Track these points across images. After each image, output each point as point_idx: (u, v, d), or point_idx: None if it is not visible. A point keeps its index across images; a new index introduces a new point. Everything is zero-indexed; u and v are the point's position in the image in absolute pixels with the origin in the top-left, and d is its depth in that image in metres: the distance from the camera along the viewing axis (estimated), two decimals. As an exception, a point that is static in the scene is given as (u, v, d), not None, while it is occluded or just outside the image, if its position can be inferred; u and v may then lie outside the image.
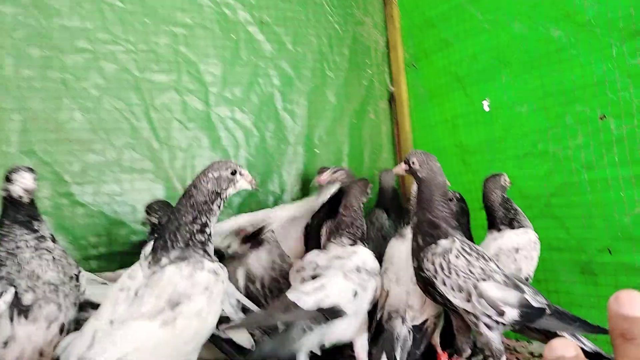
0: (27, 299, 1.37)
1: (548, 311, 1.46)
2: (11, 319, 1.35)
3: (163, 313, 1.21)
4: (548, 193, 1.94)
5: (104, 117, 2.11)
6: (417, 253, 1.54)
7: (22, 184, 1.43)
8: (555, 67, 1.90)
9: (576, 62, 1.83)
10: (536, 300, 1.47)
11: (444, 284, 1.46)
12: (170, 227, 1.32)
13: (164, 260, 1.28)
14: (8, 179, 1.43)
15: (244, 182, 1.42)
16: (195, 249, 1.30)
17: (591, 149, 1.81)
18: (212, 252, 1.35)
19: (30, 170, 1.46)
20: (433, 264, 1.48)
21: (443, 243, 1.51)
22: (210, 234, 1.35)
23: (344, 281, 1.62)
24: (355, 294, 1.63)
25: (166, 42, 2.25)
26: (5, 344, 1.36)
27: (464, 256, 1.49)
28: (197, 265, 1.27)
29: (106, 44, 2.14)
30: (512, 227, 1.80)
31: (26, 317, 1.36)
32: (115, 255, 2.04)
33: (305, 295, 1.54)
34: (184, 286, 1.24)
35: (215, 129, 2.33)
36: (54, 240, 1.46)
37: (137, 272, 1.30)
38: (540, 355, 1.84)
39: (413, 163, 1.59)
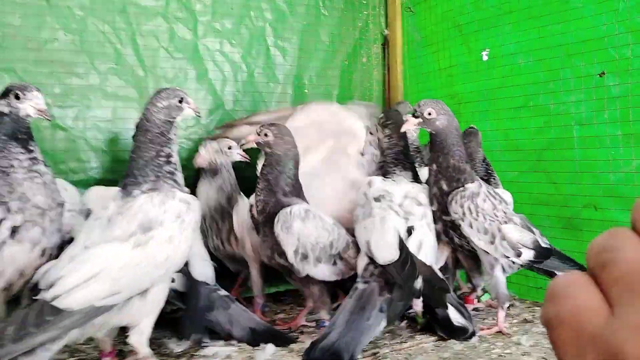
0: (16, 220, 1.33)
1: (553, 252, 1.57)
2: (2, 243, 1.32)
3: (135, 236, 1.24)
4: (540, 147, 1.93)
5: (88, 40, 2.02)
6: (440, 197, 1.60)
7: (35, 103, 1.38)
8: (557, 19, 1.86)
9: (579, 15, 1.79)
10: (544, 242, 1.56)
11: (471, 226, 1.53)
12: (137, 164, 1.34)
13: (136, 191, 1.31)
14: (17, 97, 1.37)
15: (189, 111, 1.42)
16: (165, 179, 1.34)
17: (586, 106, 1.79)
18: (181, 181, 1.38)
19: (39, 90, 1.39)
20: (462, 206, 1.54)
21: (470, 187, 1.56)
22: (176, 163, 1.37)
23: None
24: None
25: (156, -35, 2.15)
26: None
27: (489, 200, 1.55)
28: (168, 194, 1.31)
29: (93, -38, 2.03)
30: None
31: (12, 237, 1.33)
32: (96, 183, 1.98)
33: None
34: (155, 213, 1.27)
35: (202, 61, 2.25)
36: (46, 165, 1.41)
37: (110, 203, 1.32)
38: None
39: (429, 114, 1.58)
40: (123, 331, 1.34)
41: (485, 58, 2.13)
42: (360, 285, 1.49)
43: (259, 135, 1.61)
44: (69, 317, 1.13)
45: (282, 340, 1.54)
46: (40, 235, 1.38)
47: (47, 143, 1.94)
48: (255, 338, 1.53)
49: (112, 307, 1.21)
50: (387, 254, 1.47)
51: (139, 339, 1.29)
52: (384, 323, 1.45)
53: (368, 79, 2.67)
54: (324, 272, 1.59)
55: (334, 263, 1.60)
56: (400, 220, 1.56)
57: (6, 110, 1.38)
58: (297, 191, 1.63)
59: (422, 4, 2.47)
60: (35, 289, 1.23)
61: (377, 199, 1.61)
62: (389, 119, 1.77)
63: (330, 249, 1.58)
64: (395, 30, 2.62)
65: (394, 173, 1.70)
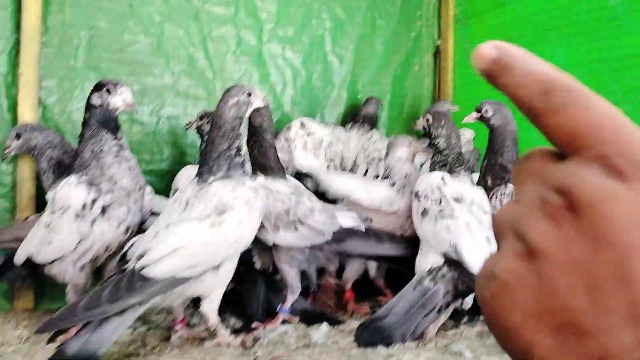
0: (106, 199, 1.52)
1: None
2: (93, 221, 1.51)
3: (210, 217, 1.40)
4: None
5: (164, 43, 2.21)
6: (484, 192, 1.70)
7: (126, 97, 1.58)
8: (606, 34, 1.94)
9: (627, 30, 1.88)
10: None
11: None
12: (212, 155, 1.49)
13: (211, 178, 1.47)
14: (109, 91, 1.56)
15: (259, 101, 1.55)
16: (236, 169, 1.49)
17: (635, 118, 1.86)
18: (249, 171, 1.55)
19: (127, 86, 1.61)
20: (501, 202, 1.65)
21: (511, 186, 1.66)
22: (245, 154, 1.54)
23: None
24: None
25: (228, -24, 2.33)
26: (79, 241, 1.52)
27: None
28: (239, 182, 1.47)
29: (172, -28, 2.23)
30: None
31: (102, 215, 1.52)
32: (166, 172, 2.17)
33: None
34: (228, 198, 1.43)
35: (265, 65, 2.42)
36: (130, 151, 1.61)
37: (188, 187, 1.49)
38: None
39: (486, 111, 1.71)
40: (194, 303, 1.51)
41: (533, 70, 2.22)
42: (426, 282, 1.54)
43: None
44: (154, 285, 1.30)
45: (332, 321, 1.68)
46: (126, 214, 1.57)
47: (125, 135, 2.13)
48: (307, 318, 1.67)
49: (189, 279, 1.37)
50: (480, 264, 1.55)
51: (210, 308, 1.45)
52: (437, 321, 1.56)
53: (419, 87, 2.79)
54: (287, 239, 1.66)
55: (295, 229, 1.66)
56: (482, 229, 1.57)
57: (98, 102, 1.57)
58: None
59: (474, 17, 2.58)
60: (122, 259, 1.42)
61: (457, 200, 1.62)
62: (443, 119, 1.80)
63: (286, 216, 1.65)
64: (447, 40, 2.74)
65: (459, 173, 1.71)
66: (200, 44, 2.28)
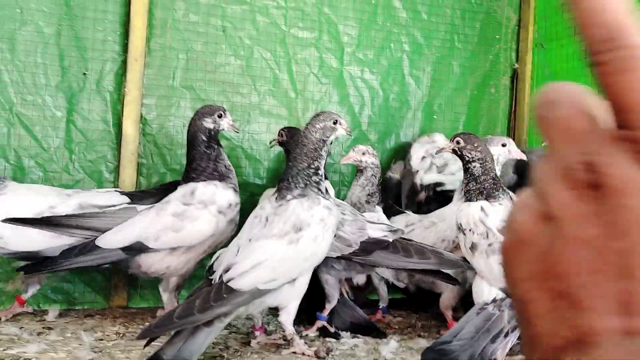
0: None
1: None
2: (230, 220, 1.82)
3: (289, 234, 1.53)
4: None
5: (253, 65, 2.38)
6: None
7: (229, 120, 1.89)
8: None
9: None
10: None
11: None
12: (291, 172, 1.63)
13: (289, 196, 1.61)
14: (220, 116, 1.85)
15: (342, 130, 1.69)
16: (312, 188, 1.62)
17: None
18: (324, 190, 1.66)
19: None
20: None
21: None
22: (322, 175, 1.65)
23: None
24: None
25: (312, 2, 2.47)
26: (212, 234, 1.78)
27: None
28: (314, 201, 1.60)
29: (262, -1, 2.39)
30: None
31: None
32: (248, 184, 2.33)
33: None
34: (304, 216, 1.56)
35: (345, 86, 2.54)
36: None
37: (267, 204, 1.63)
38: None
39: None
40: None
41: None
42: (490, 309, 1.60)
43: None
44: (240, 296, 1.44)
45: (377, 332, 1.81)
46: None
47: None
48: (354, 329, 1.81)
49: (270, 291, 1.51)
50: None
51: (287, 318, 1.59)
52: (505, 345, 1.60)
53: (495, 109, 2.83)
54: None
55: None
56: None
57: (212, 125, 1.84)
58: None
59: (554, 42, 2.60)
60: (209, 271, 1.57)
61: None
62: (476, 141, 1.81)
63: None
64: (525, 64, 2.76)
65: (498, 198, 1.73)
66: (285, 66, 2.43)
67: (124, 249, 1.71)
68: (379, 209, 2.03)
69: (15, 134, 2.05)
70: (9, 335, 1.67)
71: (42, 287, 1.91)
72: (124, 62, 2.17)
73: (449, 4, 2.71)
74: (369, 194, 2.02)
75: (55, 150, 2.10)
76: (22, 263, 1.79)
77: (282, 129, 2.14)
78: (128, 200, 1.89)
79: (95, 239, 1.70)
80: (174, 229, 1.72)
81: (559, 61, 2.57)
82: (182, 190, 1.80)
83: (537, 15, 2.72)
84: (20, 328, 1.73)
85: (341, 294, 1.96)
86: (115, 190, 1.95)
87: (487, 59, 2.80)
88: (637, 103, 0.28)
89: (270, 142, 2.21)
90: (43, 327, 1.75)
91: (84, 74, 2.14)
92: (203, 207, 1.76)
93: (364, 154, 2.01)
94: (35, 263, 1.74)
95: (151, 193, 1.94)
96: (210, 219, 1.76)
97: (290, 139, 2.06)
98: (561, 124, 0.30)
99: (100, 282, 2.12)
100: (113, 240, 1.70)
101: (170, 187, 1.89)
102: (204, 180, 1.80)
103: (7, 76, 2.05)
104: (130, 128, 2.14)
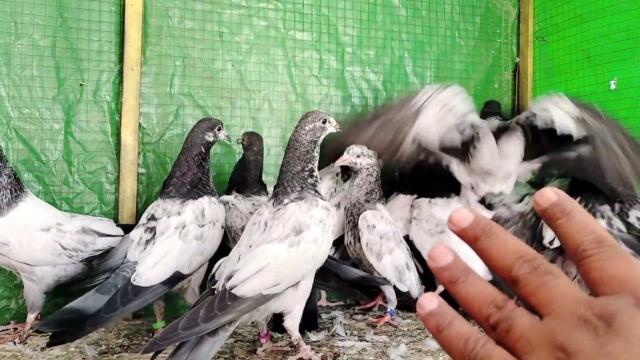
0: None
1: None
2: None
3: (289, 237, 1.50)
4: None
5: (251, 70, 2.35)
6: None
7: (224, 131, 1.91)
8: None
9: None
10: None
11: None
12: (286, 177, 1.60)
13: (286, 200, 1.58)
14: (219, 129, 1.88)
15: (332, 128, 1.67)
16: (308, 190, 1.59)
17: None
18: (321, 191, 1.64)
19: None
20: None
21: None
22: (317, 176, 1.63)
23: None
24: None
25: (310, 3, 2.44)
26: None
27: None
28: (312, 203, 1.56)
29: (258, 2, 2.36)
30: None
31: None
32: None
33: None
34: (303, 218, 1.53)
35: (347, 87, 2.51)
36: None
37: (264, 209, 1.61)
38: None
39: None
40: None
41: (613, 87, 2.19)
42: None
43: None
44: (244, 302, 1.40)
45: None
46: None
47: (214, 157, 2.28)
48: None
49: (274, 296, 1.47)
50: None
51: (292, 323, 1.54)
52: None
53: (499, 104, 2.78)
54: None
55: None
56: None
57: (212, 138, 1.85)
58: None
59: (554, 35, 2.56)
60: (211, 280, 1.54)
61: None
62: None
63: None
64: (526, 58, 2.72)
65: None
66: (285, 69, 2.40)
67: (165, 282, 1.67)
68: (380, 206, 2.00)
69: (14, 148, 2.03)
70: (12, 351, 1.65)
71: (46, 302, 1.88)
72: (121, 72, 2.15)
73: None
74: (367, 193, 1.99)
75: (55, 163, 2.08)
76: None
77: (243, 134, 2.08)
78: (122, 232, 1.90)
79: (128, 281, 1.59)
80: (200, 252, 1.74)
81: (560, 54, 2.52)
82: (192, 211, 1.76)
83: (536, 8, 2.68)
84: (24, 344, 1.71)
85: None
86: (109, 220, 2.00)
87: (489, 54, 2.76)
88: (625, 275, 0.40)
89: (237, 140, 2.12)
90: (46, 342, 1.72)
91: (81, 84, 2.12)
92: (213, 225, 1.79)
93: (358, 156, 1.98)
94: (76, 327, 1.53)
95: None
96: (220, 235, 1.83)
97: (249, 145, 2.03)
98: (561, 287, 0.41)
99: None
100: (153, 276, 1.62)
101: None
102: (204, 196, 1.81)
103: (3, 90, 2.03)
104: (129, 138, 2.12)
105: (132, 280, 1.60)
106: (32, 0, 2.06)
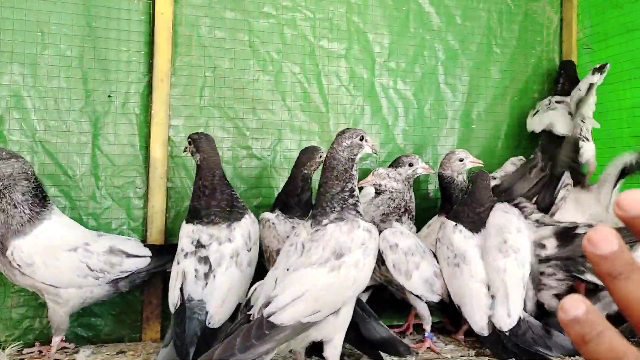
0: None
1: None
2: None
3: (330, 262, 1.41)
4: None
5: (282, 80, 2.27)
6: None
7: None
8: None
9: None
10: None
11: None
12: (325, 198, 1.51)
13: (325, 220, 1.48)
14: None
15: (368, 147, 1.58)
16: (349, 211, 1.50)
17: None
18: (362, 211, 1.54)
19: None
20: None
21: None
22: (357, 196, 1.53)
23: None
24: None
25: (341, 11, 2.36)
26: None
27: None
28: (354, 224, 1.47)
29: (288, 11, 2.29)
30: None
31: None
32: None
33: None
34: (344, 240, 1.43)
35: (377, 98, 2.42)
36: None
37: (302, 230, 1.52)
38: None
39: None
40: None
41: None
42: None
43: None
44: (282, 331, 1.32)
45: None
46: None
47: (244, 171, 2.21)
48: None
49: (313, 324, 1.38)
50: None
51: (333, 352, 1.46)
52: None
53: (538, 115, 2.66)
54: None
55: None
56: None
57: (199, 160, 1.77)
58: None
59: (601, 42, 2.44)
60: (247, 305, 1.45)
61: None
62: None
63: None
64: (569, 67, 2.60)
65: None
66: (315, 80, 2.32)
67: (230, 318, 1.63)
68: (396, 223, 1.89)
69: (40, 161, 1.97)
70: (38, 376, 1.59)
71: (71, 323, 1.82)
72: (150, 83, 2.08)
73: (484, 6, 2.58)
74: (383, 214, 1.89)
75: (81, 177, 2.02)
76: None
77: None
78: (149, 252, 1.84)
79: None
80: (250, 277, 1.73)
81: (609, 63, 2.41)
82: (240, 236, 1.72)
83: (580, 13, 2.57)
84: (49, 368, 1.65)
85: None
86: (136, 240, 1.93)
87: (529, 63, 2.66)
88: None
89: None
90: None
91: (109, 96, 2.06)
92: (255, 245, 1.79)
93: (384, 178, 1.90)
94: None
95: (166, 248, 1.93)
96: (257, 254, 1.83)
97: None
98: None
99: (131, 315, 2.02)
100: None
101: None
102: (245, 215, 1.79)
103: (29, 102, 1.97)
104: (158, 151, 2.05)
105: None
106: (59, 9, 2.01)
